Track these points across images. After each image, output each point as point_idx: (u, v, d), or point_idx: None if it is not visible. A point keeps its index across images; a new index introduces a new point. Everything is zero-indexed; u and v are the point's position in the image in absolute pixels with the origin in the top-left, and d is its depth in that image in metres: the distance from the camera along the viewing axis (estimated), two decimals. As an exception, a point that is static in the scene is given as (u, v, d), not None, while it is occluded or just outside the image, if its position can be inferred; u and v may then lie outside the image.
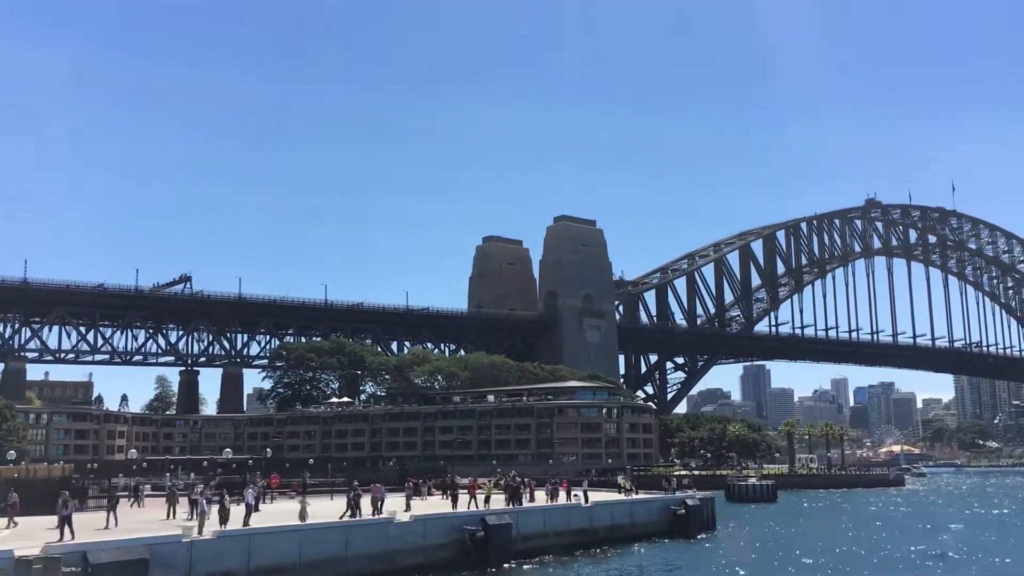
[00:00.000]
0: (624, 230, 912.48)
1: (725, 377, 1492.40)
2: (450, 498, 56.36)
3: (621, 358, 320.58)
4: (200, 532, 37.86)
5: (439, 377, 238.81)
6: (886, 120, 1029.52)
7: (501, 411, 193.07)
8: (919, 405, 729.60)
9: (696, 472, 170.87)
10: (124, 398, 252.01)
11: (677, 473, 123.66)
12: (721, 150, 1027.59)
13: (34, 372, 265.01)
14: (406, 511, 48.76)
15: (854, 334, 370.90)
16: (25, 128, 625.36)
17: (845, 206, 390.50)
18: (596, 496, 72.32)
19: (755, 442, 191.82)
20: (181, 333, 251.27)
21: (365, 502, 50.04)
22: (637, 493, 76.19)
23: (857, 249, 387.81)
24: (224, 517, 41.04)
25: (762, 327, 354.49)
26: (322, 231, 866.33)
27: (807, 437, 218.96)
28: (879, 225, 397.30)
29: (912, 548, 60.41)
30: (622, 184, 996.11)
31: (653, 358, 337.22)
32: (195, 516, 43.09)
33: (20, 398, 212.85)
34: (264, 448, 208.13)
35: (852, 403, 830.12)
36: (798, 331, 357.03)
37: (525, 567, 50.22)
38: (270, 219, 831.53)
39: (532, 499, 62.49)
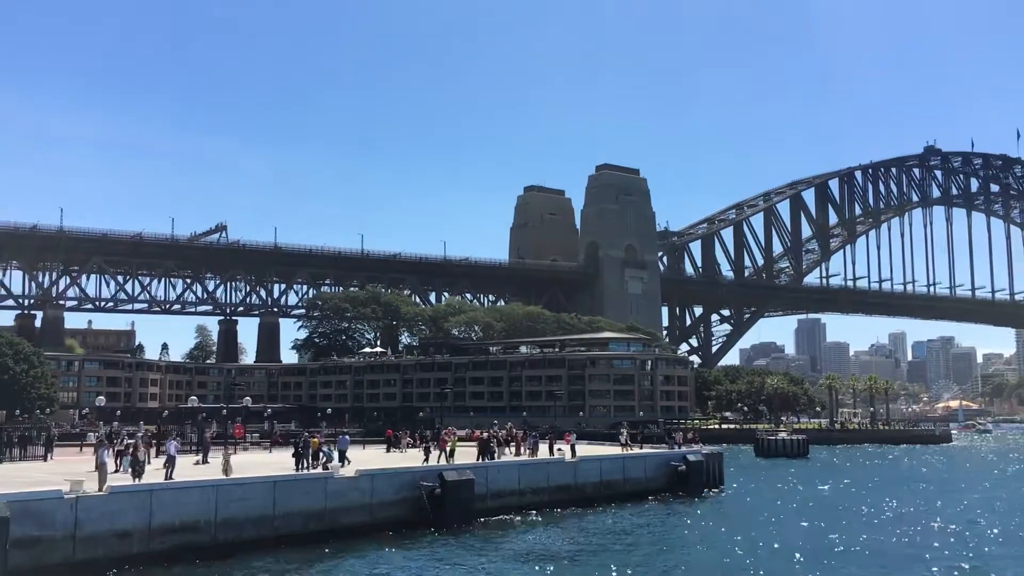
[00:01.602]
0: (670, 180, 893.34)
1: (779, 331, 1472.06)
2: (423, 451, 52.36)
3: (665, 310, 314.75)
4: (101, 487, 34.23)
5: (476, 328, 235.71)
6: (947, 64, 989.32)
7: (532, 362, 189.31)
8: (979, 360, 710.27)
9: (729, 426, 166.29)
10: (164, 347, 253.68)
11: (700, 425, 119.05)
12: (772, 96, 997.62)
13: (78, 321, 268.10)
14: (343, 465, 44.63)
15: (909, 286, 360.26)
16: (60, 71, 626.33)
17: (903, 153, 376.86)
18: (594, 450, 68.19)
19: (795, 395, 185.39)
20: (219, 282, 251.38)
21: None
22: (641, 447, 71.73)
23: (915, 198, 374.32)
24: (137, 470, 37.39)
25: (812, 279, 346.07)
26: (360, 180, 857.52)
27: (855, 391, 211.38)
28: (938, 173, 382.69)
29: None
30: (669, 133, 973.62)
31: (698, 311, 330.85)
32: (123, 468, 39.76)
33: (59, 345, 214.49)
34: (296, 397, 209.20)
35: (910, 357, 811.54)
36: (850, 283, 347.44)
37: (488, 527, 45.99)
38: (307, 167, 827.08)
39: (519, 453, 58.26)
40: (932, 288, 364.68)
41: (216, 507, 36.29)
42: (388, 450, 62.59)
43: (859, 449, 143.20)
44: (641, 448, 71.16)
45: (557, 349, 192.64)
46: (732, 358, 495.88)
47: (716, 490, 66.93)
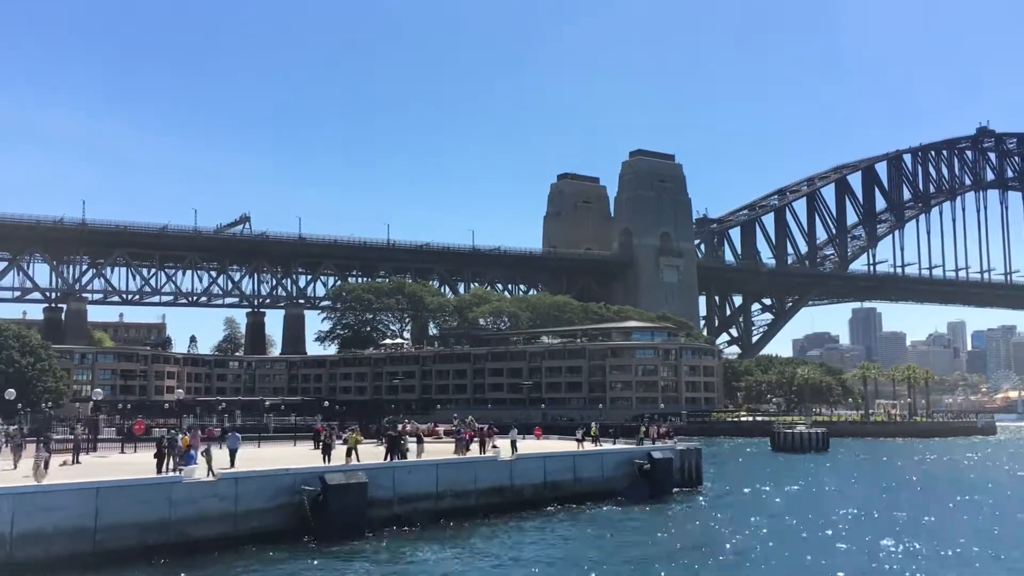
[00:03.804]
0: (710, 166, 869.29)
1: (833, 320, 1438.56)
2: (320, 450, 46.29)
3: (703, 299, 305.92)
4: None
5: (504, 318, 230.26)
6: (1000, 40, 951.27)
7: (552, 353, 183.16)
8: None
9: (755, 418, 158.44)
10: (192, 339, 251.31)
11: (724, 417, 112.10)
12: (816, 80, 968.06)
13: (110, 314, 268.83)
14: (208, 470, 38.77)
15: (961, 273, 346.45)
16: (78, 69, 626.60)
17: (954, 135, 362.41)
18: (552, 447, 62.10)
19: (828, 386, 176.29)
20: (243, 274, 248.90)
21: (219, 454, 40.98)
22: (615, 443, 65.45)
23: (967, 182, 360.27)
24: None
25: (858, 266, 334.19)
26: (389, 167, 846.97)
27: (894, 381, 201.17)
28: (992, 155, 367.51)
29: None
30: (708, 119, 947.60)
31: (739, 300, 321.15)
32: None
33: (83, 338, 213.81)
34: (316, 389, 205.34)
35: (970, 347, 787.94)
36: (898, 270, 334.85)
37: (381, 540, 39.92)
38: (332, 155, 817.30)
39: (483, 451, 52.11)
40: (986, 275, 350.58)
41: (13, 519, 30.84)
42: (316, 447, 56.74)
43: (888, 443, 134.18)
44: (615, 444, 65.03)
45: (579, 339, 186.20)
46: (785, 349, 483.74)
47: (691, 491, 60.23)
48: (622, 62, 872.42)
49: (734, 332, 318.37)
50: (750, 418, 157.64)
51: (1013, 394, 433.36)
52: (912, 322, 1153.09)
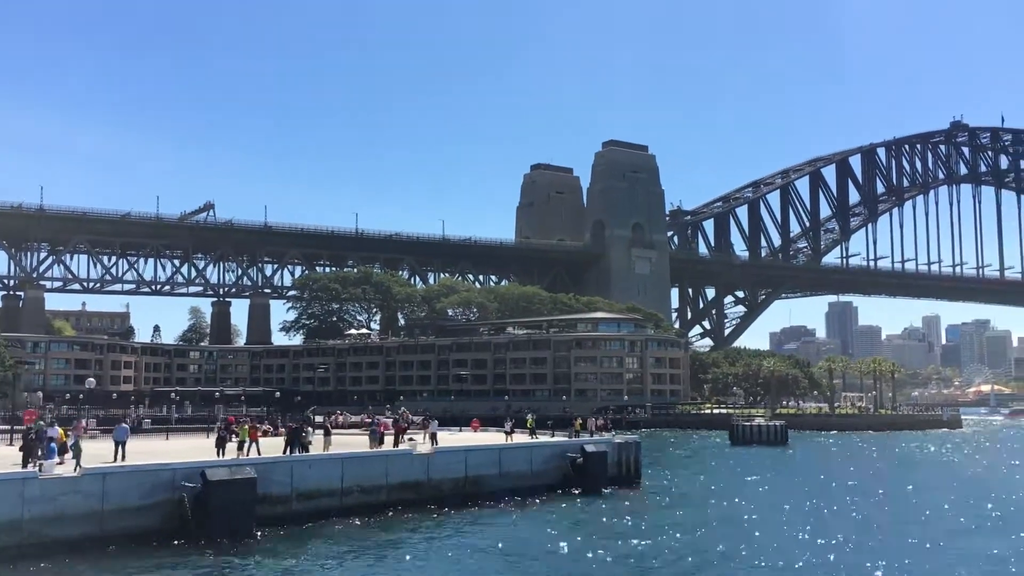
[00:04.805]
0: (685, 159, 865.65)
1: (809, 314, 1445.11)
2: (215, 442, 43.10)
3: (676, 292, 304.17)
4: None
5: (473, 309, 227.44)
6: (975, 35, 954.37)
7: (517, 344, 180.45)
8: (1015, 343, 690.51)
9: (714, 411, 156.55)
10: (156, 329, 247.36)
11: (689, 409, 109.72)
12: (791, 73, 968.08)
13: (72, 303, 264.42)
14: (76, 465, 35.55)
15: (934, 267, 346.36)
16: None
17: (928, 129, 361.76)
18: (484, 439, 59.46)
19: (795, 379, 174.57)
20: (207, 262, 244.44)
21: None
22: (553, 436, 62.69)
23: (940, 176, 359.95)
24: None
25: (832, 259, 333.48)
26: (359, 158, 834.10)
27: (860, 374, 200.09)
28: (966, 150, 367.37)
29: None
30: (684, 111, 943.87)
31: (712, 292, 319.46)
32: None
33: (40, 327, 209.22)
34: (279, 380, 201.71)
35: (944, 341, 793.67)
36: (871, 263, 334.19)
37: (271, 542, 36.92)
38: (298, 143, 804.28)
39: (397, 444, 49.36)
40: (958, 269, 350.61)
41: None
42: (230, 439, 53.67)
43: (847, 436, 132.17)
44: (553, 436, 62.27)
45: (544, 330, 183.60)
46: (762, 342, 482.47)
47: (624, 487, 57.29)
48: (598, 53, 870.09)
49: (707, 324, 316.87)
50: (714, 410, 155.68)
51: (985, 388, 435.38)
52: (888, 316, 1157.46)
